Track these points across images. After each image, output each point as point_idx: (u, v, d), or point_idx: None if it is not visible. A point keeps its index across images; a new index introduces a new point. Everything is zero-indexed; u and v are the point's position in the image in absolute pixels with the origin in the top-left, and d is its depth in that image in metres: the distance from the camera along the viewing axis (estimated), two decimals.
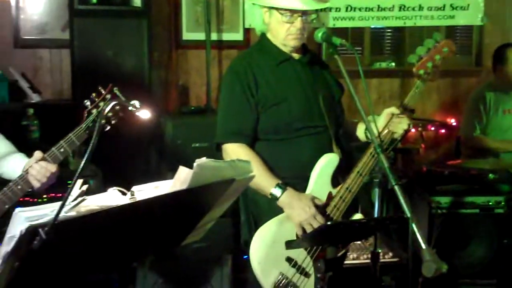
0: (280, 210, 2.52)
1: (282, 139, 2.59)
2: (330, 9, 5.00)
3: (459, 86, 5.38)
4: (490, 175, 3.84)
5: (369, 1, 5.11)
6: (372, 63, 5.34)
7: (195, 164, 1.70)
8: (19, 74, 4.37)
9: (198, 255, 3.52)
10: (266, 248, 2.49)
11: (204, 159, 1.73)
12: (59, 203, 1.51)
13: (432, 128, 5.04)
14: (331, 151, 2.58)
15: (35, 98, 4.33)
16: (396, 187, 2.04)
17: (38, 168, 2.33)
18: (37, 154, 2.37)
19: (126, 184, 1.75)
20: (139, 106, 2.23)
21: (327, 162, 2.55)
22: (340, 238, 2.44)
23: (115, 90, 2.39)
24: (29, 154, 2.46)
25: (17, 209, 1.51)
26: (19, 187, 2.35)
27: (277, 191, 2.49)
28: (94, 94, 2.40)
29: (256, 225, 2.59)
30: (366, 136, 2.67)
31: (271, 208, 2.54)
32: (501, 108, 4.46)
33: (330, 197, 2.54)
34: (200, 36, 4.73)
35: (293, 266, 2.49)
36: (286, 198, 2.49)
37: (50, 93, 4.57)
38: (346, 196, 2.52)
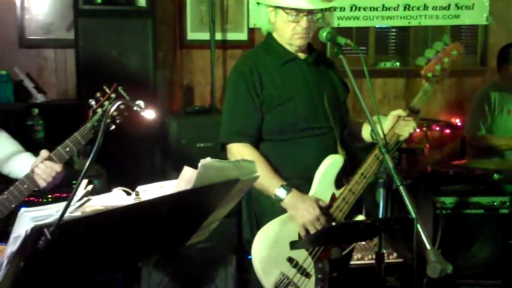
0: (283, 211, 2.52)
1: (287, 140, 2.59)
2: (334, 8, 5.00)
3: (464, 85, 5.37)
4: (495, 175, 3.83)
5: (373, 0, 5.10)
6: (376, 63, 5.33)
7: (199, 164, 1.70)
8: (24, 74, 4.38)
9: (203, 255, 3.52)
10: (267, 248, 2.49)
11: (208, 159, 1.73)
12: (64, 203, 1.51)
13: (437, 128, 5.03)
14: (335, 152, 2.58)
15: (40, 98, 4.34)
16: (401, 188, 2.03)
17: (44, 168, 2.34)
18: (44, 153, 2.38)
19: (131, 184, 1.75)
20: (144, 106, 2.23)
21: (332, 163, 2.55)
22: (345, 239, 2.44)
23: (120, 89, 2.40)
24: (35, 154, 2.47)
25: (23, 209, 1.52)
26: (25, 186, 2.36)
27: (281, 192, 2.49)
28: (99, 94, 2.41)
29: (258, 225, 2.59)
30: (372, 137, 2.67)
31: (274, 209, 2.54)
32: (506, 108, 4.45)
33: (333, 198, 2.54)
34: (205, 36, 4.73)
35: (294, 267, 2.50)
36: (290, 199, 2.49)
37: (55, 93, 4.58)
38: (349, 197, 2.52)
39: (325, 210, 2.50)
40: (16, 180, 2.40)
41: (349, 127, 2.74)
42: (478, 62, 5.51)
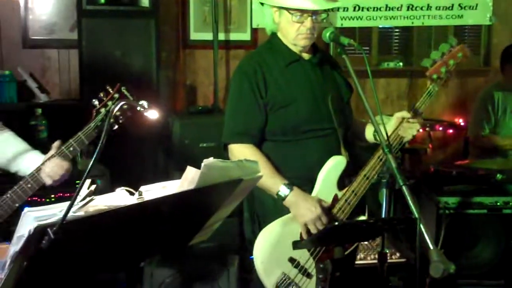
0: (285, 211, 2.52)
1: (290, 141, 2.59)
2: (338, 8, 5.00)
3: (467, 86, 5.37)
4: (498, 175, 3.83)
5: (377, 0, 5.10)
6: (379, 63, 5.33)
7: (202, 164, 1.70)
8: (28, 74, 4.39)
9: (205, 255, 3.52)
10: (269, 248, 2.49)
11: (211, 159, 1.73)
12: (67, 203, 1.52)
13: (440, 128, 5.02)
14: (339, 153, 2.57)
15: (43, 98, 4.35)
16: (403, 188, 2.03)
17: (52, 165, 2.35)
18: (57, 143, 2.39)
19: (134, 184, 1.75)
20: (147, 106, 2.23)
21: (335, 165, 2.55)
22: (347, 239, 2.44)
23: (123, 89, 2.40)
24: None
25: (26, 209, 1.52)
26: (29, 185, 2.37)
27: (284, 190, 2.49)
28: (102, 94, 2.41)
29: (261, 224, 2.60)
30: (375, 138, 2.67)
31: (277, 208, 2.54)
32: (509, 108, 4.44)
33: (335, 199, 2.54)
34: (208, 36, 4.73)
35: (296, 267, 2.50)
36: (293, 197, 2.49)
37: (58, 93, 4.59)
38: (352, 199, 2.52)
39: (327, 211, 2.50)
40: (20, 179, 2.41)
41: (352, 127, 2.74)
42: (481, 62, 5.50)
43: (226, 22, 4.88)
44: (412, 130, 2.55)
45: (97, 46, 4.12)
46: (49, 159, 2.37)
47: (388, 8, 5.14)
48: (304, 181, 2.54)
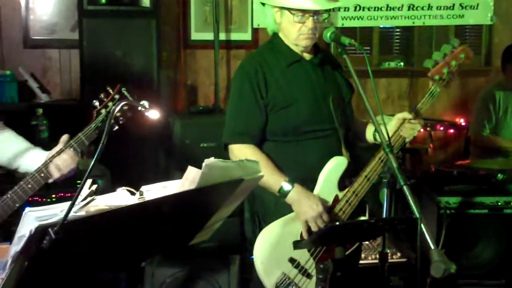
0: (286, 211, 2.52)
1: (290, 141, 2.59)
2: (338, 8, 5.00)
3: (468, 85, 5.36)
4: (499, 175, 3.83)
5: (377, 0, 5.10)
6: (380, 63, 5.32)
7: (203, 164, 1.70)
8: (29, 74, 4.40)
9: (206, 255, 3.52)
10: (269, 248, 2.50)
11: (212, 159, 1.73)
12: (68, 203, 1.52)
13: (441, 128, 5.02)
14: (340, 154, 2.57)
15: (44, 98, 4.35)
16: (404, 187, 2.03)
17: (65, 157, 2.35)
18: (65, 137, 2.39)
19: (135, 184, 1.75)
20: (148, 106, 2.23)
21: (335, 165, 2.54)
22: (348, 238, 2.44)
23: (123, 90, 2.40)
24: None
25: (27, 209, 1.52)
26: (29, 186, 2.36)
27: (286, 187, 2.49)
28: (102, 95, 2.41)
29: (261, 224, 2.60)
30: (375, 138, 2.67)
31: (278, 208, 2.54)
32: (511, 108, 4.44)
33: (336, 200, 2.54)
34: (209, 36, 4.73)
35: (296, 267, 2.50)
36: (295, 194, 2.49)
37: (59, 93, 4.59)
38: (353, 200, 2.53)
39: (328, 209, 2.50)
40: (21, 179, 2.41)
41: (353, 127, 2.74)
42: (482, 62, 5.50)
43: (227, 22, 4.89)
44: (413, 131, 2.55)
45: (98, 46, 4.13)
46: (58, 152, 2.37)
47: (389, 8, 5.13)
48: (305, 181, 2.54)
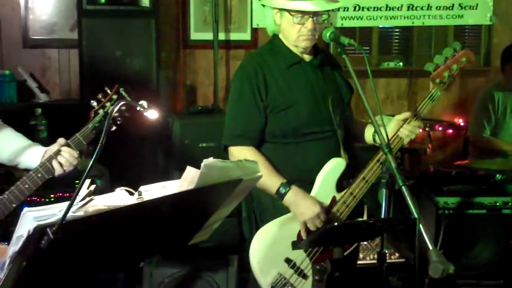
0: (283, 211, 2.53)
1: (289, 143, 2.58)
2: (338, 8, 5.00)
3: (467, 86, 5.37)
4: (498, 175, 3.83)
5: (377, 0, 5.10)
6: (380, 63, 5.33)
7: (202, 164, 1.70)
8: (28, 74, 4.40)
9: (205, 255, 3.52)
10: (266, 248, 2.50)
11: (211, 159, 1.73)
12: (66, 203, 1.52)
13: (440, 128, 5.02)
14: (338, 155, 2.57)
15: (43, 98, 4.36)
16: (403, 188, 2.03)
17: (69, 154, 2.35)
18: (61, 140, 2.39)
19: (134, 184, 1.75)
20: (147, 106, 2.23)
21: (334, 167, 2.54)
22: (347, 239, 2.44)
23: (121, 90, 2.40)
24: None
25: (25, 209, 1.52)
26: (26, 186, 2.36)
27: (283, 190, 2.49)
28: (100, 95, 2.41)
29: (258, 224, 2.60)
30: (374, 139, 2.66)
31: (275, 208, 2.55)
32: (510, 108, 4.44)
33: (334, 201, 2.54)
34: (208, 36, 4.74)
35: (292, 267, 2.51)
36: (292, 196, 2.49)
37: (58, 93, 4.60)
38: (350, 201, 2.53)
39: (326, 210, 2.50)
40: (19, 179, 2.41)
41: (352, 128, 2.74)
42: (481, 62, 5.50)
43: (226, 22, 4.89)
44: (412, 133, 2.55)
45: (97, 46, 4.13)
46: (55, 153, 2.36)
47: (388, 8, 5.14)
48: (303, 183, 2.54)
